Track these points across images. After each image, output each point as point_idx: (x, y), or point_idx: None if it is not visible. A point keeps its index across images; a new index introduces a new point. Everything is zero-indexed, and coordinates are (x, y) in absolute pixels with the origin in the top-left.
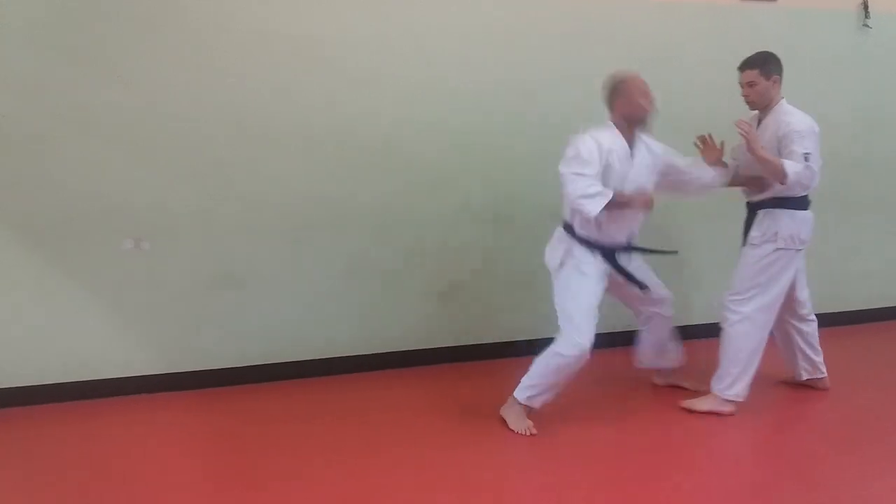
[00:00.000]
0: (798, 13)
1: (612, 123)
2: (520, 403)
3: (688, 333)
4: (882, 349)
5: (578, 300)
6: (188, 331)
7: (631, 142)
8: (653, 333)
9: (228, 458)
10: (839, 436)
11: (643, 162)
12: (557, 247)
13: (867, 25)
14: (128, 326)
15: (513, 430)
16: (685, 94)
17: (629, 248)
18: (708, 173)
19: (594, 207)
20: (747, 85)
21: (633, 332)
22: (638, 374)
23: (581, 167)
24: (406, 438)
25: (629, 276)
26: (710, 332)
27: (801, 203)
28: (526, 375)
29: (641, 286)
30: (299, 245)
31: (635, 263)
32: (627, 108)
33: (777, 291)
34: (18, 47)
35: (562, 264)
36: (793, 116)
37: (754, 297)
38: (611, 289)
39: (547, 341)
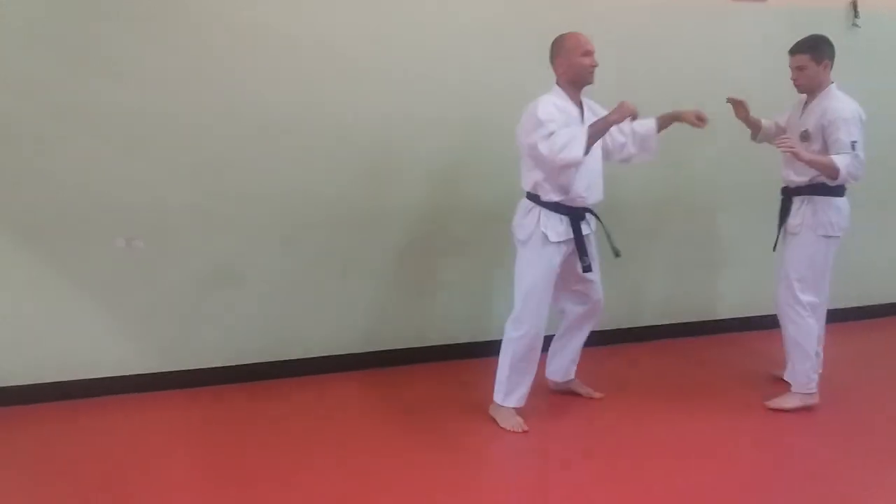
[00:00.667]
0: (787, 13)
1: (558, 87)
2: (500, 405)
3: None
4: (882, 346)
5: (536, 280)
6: (184, 329)
7: (579, 105)
8: (574, 341)
9: (225, 457)
10: (838, 431)
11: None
12: (526, 216)
13: (856, 25)
14: (124, 325)
15: (505, 429)
16: (681, 93)
17: (593, 213)
18: (641, 124)
19: (577, 152)
20: (797, 69)
21: (632, 329)
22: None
23: (546, 128)
24: (405, 436)
25: (584, 248)
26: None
27: (837, 190)
28: (496, 373)
29: (586, 267)
30: (296, 243)
31: (591, 251)
32: (568, 67)
33: (825, 278)
34: (18, 47)
35: (530, 236)
36: (840, 102)
37: (804, 287)
38: (560, 275)
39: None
